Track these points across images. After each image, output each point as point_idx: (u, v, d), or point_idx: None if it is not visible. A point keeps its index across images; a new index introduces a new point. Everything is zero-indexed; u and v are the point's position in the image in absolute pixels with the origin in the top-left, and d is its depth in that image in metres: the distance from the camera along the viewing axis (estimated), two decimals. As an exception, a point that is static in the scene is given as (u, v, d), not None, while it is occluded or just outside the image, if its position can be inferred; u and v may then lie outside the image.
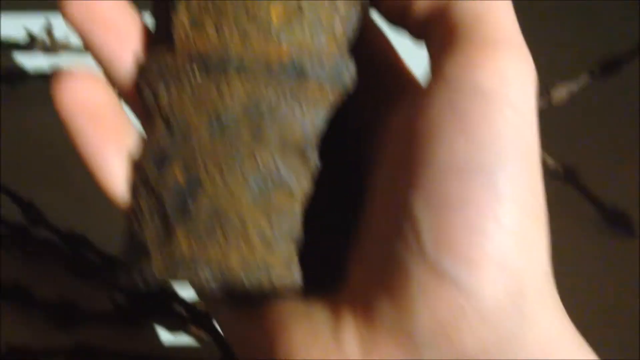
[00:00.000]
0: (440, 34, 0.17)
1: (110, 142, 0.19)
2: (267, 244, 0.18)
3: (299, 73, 0.18)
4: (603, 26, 0.41)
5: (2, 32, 0.42)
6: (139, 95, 0.19)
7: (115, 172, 0.19)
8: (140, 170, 0.19)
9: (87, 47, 0.19)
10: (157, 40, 0.20)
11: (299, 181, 0.18)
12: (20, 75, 0.39)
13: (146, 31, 0.20)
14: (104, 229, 0.32)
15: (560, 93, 0.35)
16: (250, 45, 0.18)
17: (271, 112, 0.18)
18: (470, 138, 0.15)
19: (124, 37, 0.19)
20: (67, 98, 0.19)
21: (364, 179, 0.19)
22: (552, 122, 0.38)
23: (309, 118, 0.18)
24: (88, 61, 0.39)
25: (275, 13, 0.18)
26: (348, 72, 0.19)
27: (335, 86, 0.19)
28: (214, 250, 0.18)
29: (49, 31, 0.41)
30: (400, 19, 0.19)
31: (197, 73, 0.18)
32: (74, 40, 0.41)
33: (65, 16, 0.19)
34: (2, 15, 0.42)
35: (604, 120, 0.38)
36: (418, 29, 0.19)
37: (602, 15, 0.41)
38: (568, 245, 0.35)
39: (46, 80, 0.39)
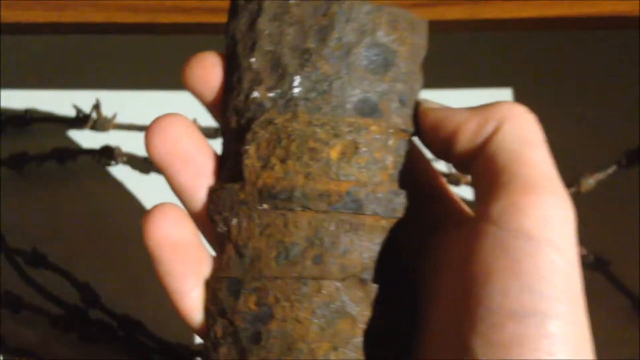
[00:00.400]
0: (485, 175, 0.19)
1: (190, 273, 0.21)
2: None
3: (356, 206, 0.20)
4: (629, 117, 0.43)
5: (52, 109, 0.44)
6: (211, 222, 0.21)
7: (193, 300, 0.21)
8: (215, 296, 0.21)
9: (167, 178, 0.21)
10: (226, 169, 0.22)
11: (359, 308, 0.20)
12: (70, 152, 0.40)
13: (217, 159, 0.22)
14: (158, 313, 0.34)
15: (589, 182, 0.37)
16: (313, 181, 0.20)
17: (332, 243, 0.20)
18: (522, 285, 0.17)
19: (200, 171, 0.21)
20: (155, 233, 0.21)
21: (417, 301, 0.21)
22: (581, 212, 0.39)
23: (365, 246, 0.20)
24: (134, 139, 0.41)
25: (335, 153, 0.20)
26: (399, 201, 0.21)
27: (388, 215, 0.20)
28: None
29: (98, 108, 0.43)
30: (445, 155, 0.21)
31: (265, 206, 0.20)
32: (122, 117, 0.43)
33: (148, 149, 0.21)
34: (53, 92, 0.44)
35: (632, 209, 0.39)
36: (462, 165, 0.21)
37: (627, 107, 0.43)
38: (598, 332, 0.36)
39: (95, 157, 0.40)
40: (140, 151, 0.40)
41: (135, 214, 0.38)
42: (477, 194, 0.20)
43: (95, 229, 0.38)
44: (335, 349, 0.19)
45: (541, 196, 0.18)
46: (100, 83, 0.44)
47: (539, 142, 0.19)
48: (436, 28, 0.34)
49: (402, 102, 0.21)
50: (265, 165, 0.20)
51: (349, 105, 0.20)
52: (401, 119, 0.21)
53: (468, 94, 0.44)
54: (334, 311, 0.19)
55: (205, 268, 0.21)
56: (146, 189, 0.39)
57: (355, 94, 0.20)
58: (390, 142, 0.21)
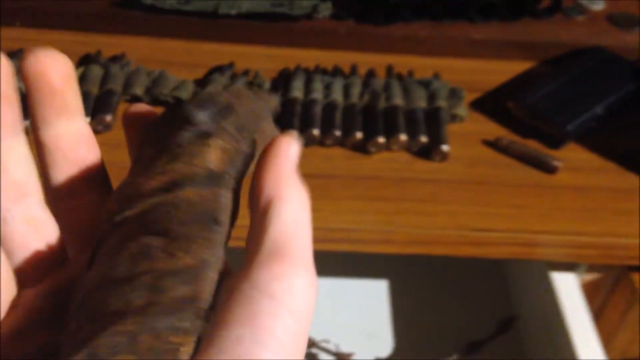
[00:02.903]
0: (255, 244, 0.22)
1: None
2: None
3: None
4: (470, 313, 0.51)
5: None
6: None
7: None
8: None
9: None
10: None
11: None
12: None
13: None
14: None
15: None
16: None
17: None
18: (254, 336, 0.20)
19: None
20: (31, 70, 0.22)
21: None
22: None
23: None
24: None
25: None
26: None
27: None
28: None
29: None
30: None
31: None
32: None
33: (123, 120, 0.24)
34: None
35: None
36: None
37: (470, 304, 0.51)
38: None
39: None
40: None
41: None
42: (247, 251, 0.23)
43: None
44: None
45: (293, 267, 0.21)
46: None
47: (305, 225, 0.23)
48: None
49: None
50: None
51: None
52: None
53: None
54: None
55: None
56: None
57: None
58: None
